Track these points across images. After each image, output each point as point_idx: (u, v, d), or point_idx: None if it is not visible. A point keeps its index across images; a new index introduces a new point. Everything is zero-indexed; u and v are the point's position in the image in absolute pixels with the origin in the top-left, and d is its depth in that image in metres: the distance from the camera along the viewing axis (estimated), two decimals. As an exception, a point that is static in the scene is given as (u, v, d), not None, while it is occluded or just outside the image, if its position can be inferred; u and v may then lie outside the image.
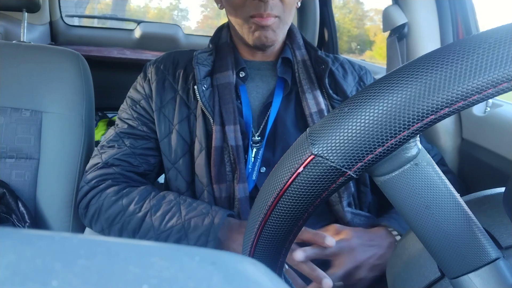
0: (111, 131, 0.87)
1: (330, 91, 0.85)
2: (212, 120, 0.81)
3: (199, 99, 0.81)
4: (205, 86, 0.82)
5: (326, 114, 0.83)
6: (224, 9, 0.87)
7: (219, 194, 0.79)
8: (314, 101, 0.84)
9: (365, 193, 0.86)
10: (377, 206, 0.89)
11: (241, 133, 0.81)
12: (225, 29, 0.90)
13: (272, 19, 0.79)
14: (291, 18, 0.84)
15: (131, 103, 0.87)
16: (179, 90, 0.85)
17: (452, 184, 0.32)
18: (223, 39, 0.89)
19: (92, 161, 0.86)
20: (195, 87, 0.81)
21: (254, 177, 0.81)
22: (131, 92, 0.89)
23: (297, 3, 0.86)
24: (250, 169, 0.81)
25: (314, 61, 0.88)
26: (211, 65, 0.85)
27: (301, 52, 0.88)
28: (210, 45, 0.89)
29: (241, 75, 0.86)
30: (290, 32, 0.90)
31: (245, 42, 0.84)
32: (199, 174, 0.80)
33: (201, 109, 0.82)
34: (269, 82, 0.88)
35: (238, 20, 0.81)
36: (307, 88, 0.85)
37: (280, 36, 0.82)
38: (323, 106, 0.84)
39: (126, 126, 0.86)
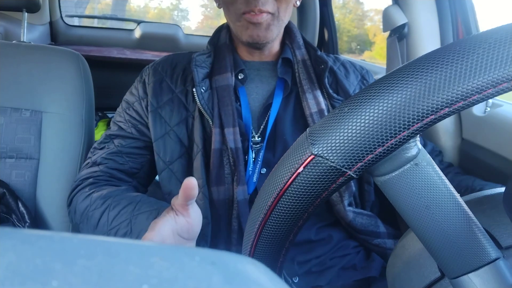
0: (103, 134, 0.88)
1: (330, 91, 0.85)
2: (211, 123, 0.80)
3: (197, 101, 0.80)
4: (204, 88, 0.81)
5: (326, 113, 0.83)
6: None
7: (217, 197, 0.79)
8: (314, 101, 0.83)
9: (369, 191, 0.86)
10: (380, 206, 0.89)
11: (241, 135, 0.80)
12: (224, 30, 0.90)
13: (265, 16, 0.78)
14: (288, 15, 0.83)
15: (126, 106, 0.88)
16: (176, 91, 0.84)
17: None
18: (222, 40, 0.89)
19: (85, 162, 0.88)
20: (194, 89, 0.81)
21: (254, 179, 0.81)
22: (127, 95, 0.89)
23: (295, 1, 0.86)
24: (250, 172, 0.81)
25: (314, 61, 0.88)
26: (209, 67, 0.85)
27: (301, 51, 0.88)
28: (208, 47, 0.89)
29: (240, 77, 0.85)
30: (290, 32, 0.90)
31: (241, 40, 0.83)
32: (195, 175, 0.80)
33: (199, 111, 0.81)
34: (269, 83, 0.87)
35: (231, 17, 0.81)
36: (307, 88, 0.85)
37: (274, 33, 0.81)
38: (323, 106, 0.83)
39: (116, 128, 0.87)
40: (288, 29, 0.89)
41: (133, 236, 0.71)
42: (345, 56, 2.19)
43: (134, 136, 0.85)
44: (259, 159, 0.82)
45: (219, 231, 0.80)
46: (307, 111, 0.83)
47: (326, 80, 0.85)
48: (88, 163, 0.86)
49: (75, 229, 0.98)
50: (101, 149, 0.86)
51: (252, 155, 0.82)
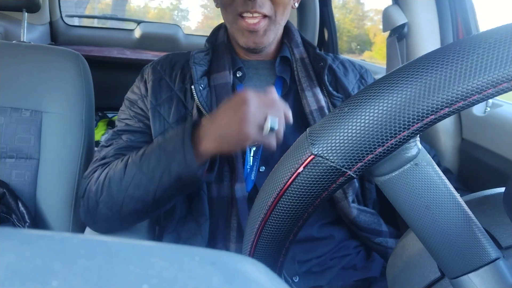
0: (110, 132, 0.87)
1: (330, 88, 0.85)
2: None
3: (196, 98, 0.80)
4: (202, 86, 0.81)
5: (326, 111, 0.83)
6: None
7: (216, 194, 0.79)
8: (314, 99, 0.83)
9: (370, 189, 0.86)
10: (381, 205, 0.89)
11: None
12: (222, 29, 0.90)
13: (262, 22, 0.78)
14: (285, 18, 0.83)
15: (129, 104, 0.87)
16: (175, 89, 0.84)
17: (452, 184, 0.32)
18: (220, 39, 0.89)
19: (92, 161, 0.86)
20: (192, 87, 0.81)
21: (253, 177, 0.81)
22: (128, 94, 0.89)
23: (293, 4, 0.85)
24: (248, 169, 0.81)
25: (313, 59, 0.88)
26: (207, 65, 0.85)
27: (299, 50, 0.88)
28: (207, 45, 0.89)
29: (238, 75, 0.85)
30: (288, 31, 0.90)
31: (238, 43, 0.83)
32: None
33: (198, 109, 0.81)
34: (267, 81, 0.87)
35: (228, 18, 0.81)
36: (306, 86, 0.85)
37: (271, 37, 0.81)
38: (323, 103, 0.83)
39: (123, 125, 0.86)
40: (286, 28, 0.89)
41: (168, 152, 0.69)
42: (344, 56, 2.18)
43: (142, 129, 0.84)
44: (257, 157, 0.82)
45: (218, 229, 0.80)
46: (307, 108, 0.83)
47: (325, 77, 0.85)
48: (96, 160, 0.83)
49: (75, 229, 0.98)
50: (108, 146, 0.84)
51: (250, 153, 0.82)
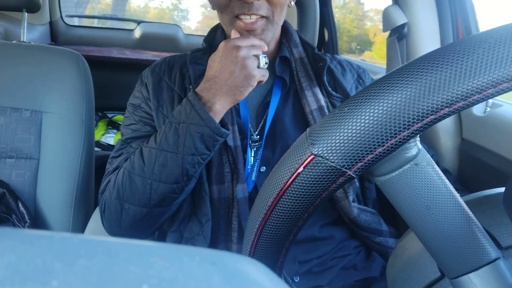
0: (118, 141, 0.86)
1: (329, 88, 0.85)
2: None
3: None
4: None
5: (326, 110, 0.83)
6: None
7: (217, 195, 0.79)
8: (314, 98, 0.83)
9: (370, 189, 0.86)
10: (381, 205, 0.89)
11: (240, 133, 0.80)
12: (219, 29, 0.90)
13: (259, 22, 0.77)
14: (282, 18, 0.82)
15: (132, 110, 0.87)
16: (176, 89, 0.84)
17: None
18: (217, 39, 0.88)
19: (104, 175, 0.84)
20: (191, 86, 0.81)
21: (253, 178, 0.81)
22: (131, 100, 0.88)
23: (289, 2, 0.85)
24: (249, 169, 0.81)
25: (312, 59, 0.88)
26: (205, 64, 0.85)
27: (298, 50, 0.88)
28: (204, 44, 0.89)
29: None
30: (286, 31, 0.90)
31: None
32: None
33: None
34: (266, 81, 0.87)
35: (225, 20, 0.80)
36: (306, 85, 0.85)
37: (269, 37, 0.80)
38: (323, 103, 0.83)
39: (130, 131, 0.85)
40: (284, 28, 0.89)
41: (185, 124, 0.71)
42: (344, 56, 2.19)
43: (150, 133, 0.83)
44: (258, 157, 0.82)
45: (219, 230, 0.80)
46: (307, 108, 0.83)
47: (325, 78, 0.85)
48: (109, 171, 0.82)
49: (75, 229, 0.98)
50: (119, 156, 0.83)
51: (251, 153, 0.82)
